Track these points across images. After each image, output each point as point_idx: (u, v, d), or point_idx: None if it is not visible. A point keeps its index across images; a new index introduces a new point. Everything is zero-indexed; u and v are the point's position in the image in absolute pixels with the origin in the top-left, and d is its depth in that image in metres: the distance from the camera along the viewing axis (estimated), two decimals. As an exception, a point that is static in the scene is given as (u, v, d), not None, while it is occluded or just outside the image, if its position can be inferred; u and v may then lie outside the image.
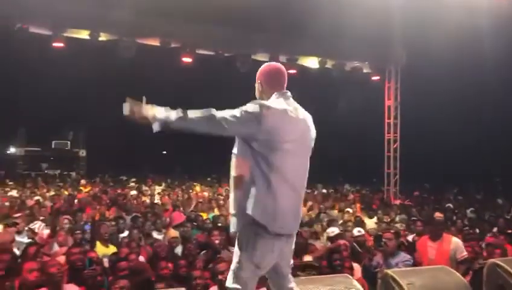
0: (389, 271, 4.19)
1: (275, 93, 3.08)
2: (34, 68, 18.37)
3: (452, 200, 14.97)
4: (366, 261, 6.16)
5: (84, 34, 11.73)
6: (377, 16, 11.50)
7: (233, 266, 3.05)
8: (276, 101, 3.03)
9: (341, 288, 3.78)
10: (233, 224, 3.03)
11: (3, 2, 10.35)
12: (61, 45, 11.54)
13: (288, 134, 2.94)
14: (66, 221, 8.08)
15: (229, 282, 3.04)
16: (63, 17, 11.13)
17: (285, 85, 3.17)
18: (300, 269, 4.80)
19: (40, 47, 12.26)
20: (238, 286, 3.00)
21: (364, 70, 15.34)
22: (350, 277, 4.12)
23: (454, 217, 10.80)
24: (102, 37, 11.85)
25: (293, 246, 3.23)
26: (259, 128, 2.85)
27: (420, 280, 4.07)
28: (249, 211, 2.90)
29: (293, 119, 2.99)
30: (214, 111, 2.86)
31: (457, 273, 4.25)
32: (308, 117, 3.16)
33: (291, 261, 3.26)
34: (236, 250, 3.05)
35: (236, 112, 2.87)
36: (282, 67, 3.24)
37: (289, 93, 3.12)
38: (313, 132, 3.18)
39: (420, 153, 20.05)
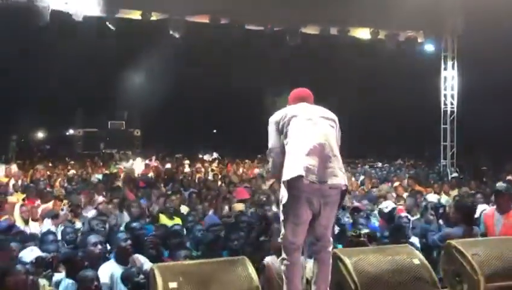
0: (453, 242, 4.06)
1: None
2: (89, 51, 18.90)
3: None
4: None
5: (136, 15, 11.94)
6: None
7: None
8: None
9: (403, 258, 3.71)
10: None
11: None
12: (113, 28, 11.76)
13: None
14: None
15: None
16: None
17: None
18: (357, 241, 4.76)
19: (93, 29, 12.55)
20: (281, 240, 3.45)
21: (419, 40, 14.74)
22: (411, 247, 4.03)
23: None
24: (154, 17, 12.01)
25: (332, 210, 3.39)
26: None
27: (486, 250, 3.93)
28: None
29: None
30: None
31: (527, 244, 4.05)
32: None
33: (331, 225, 3.48)
34: None
35: None
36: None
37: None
38: None
39: (477, 125, 19.20)
